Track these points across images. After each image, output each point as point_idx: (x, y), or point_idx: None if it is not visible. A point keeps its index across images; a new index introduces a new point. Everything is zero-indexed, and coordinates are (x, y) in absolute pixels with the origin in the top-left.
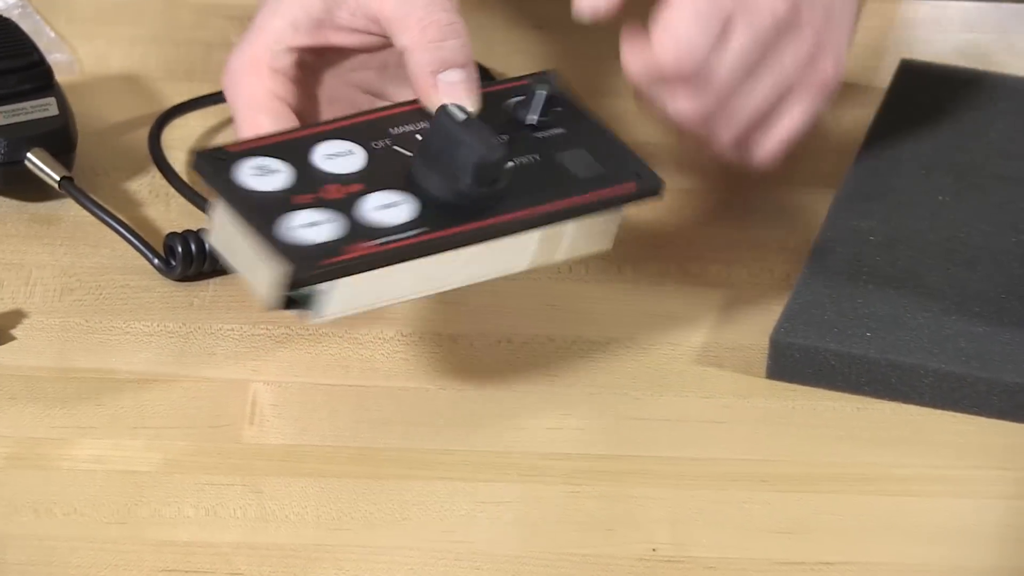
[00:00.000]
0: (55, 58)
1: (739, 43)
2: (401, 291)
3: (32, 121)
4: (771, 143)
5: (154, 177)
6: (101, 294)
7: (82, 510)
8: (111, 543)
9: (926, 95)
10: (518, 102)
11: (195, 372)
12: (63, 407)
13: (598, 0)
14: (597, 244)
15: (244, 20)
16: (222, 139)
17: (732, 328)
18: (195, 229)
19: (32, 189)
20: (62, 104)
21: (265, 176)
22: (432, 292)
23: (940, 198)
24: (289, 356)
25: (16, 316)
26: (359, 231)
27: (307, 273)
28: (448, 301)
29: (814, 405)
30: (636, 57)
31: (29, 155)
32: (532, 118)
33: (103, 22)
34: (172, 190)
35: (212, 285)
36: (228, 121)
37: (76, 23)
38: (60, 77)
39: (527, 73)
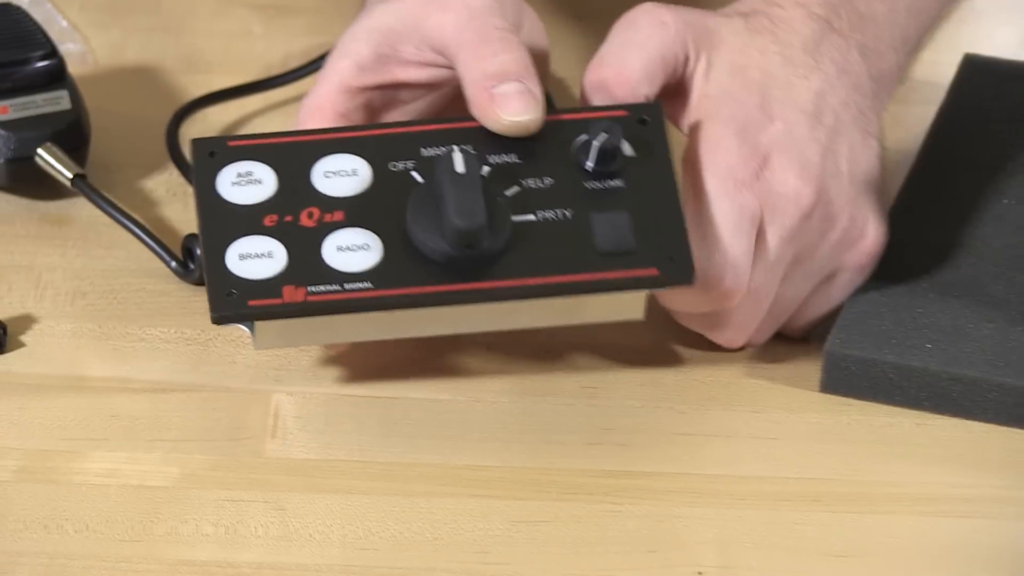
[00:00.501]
0: (68, 48)
1: (773, 251)
2: (356, 334)
3: (43, 115)
4: (805, 323)
5: (171, 175)
6: (115, 298)
7: (95, 527)
8: (125, 562)
9: (990, 91)
10: (588, 137)
11: (214, 382)
12: (75, 418)
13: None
14: (622, 314)
15: (267, 9)
16: (244, 132)
17: (783, 338)
18: None
19: (43, 187)
20: (75, 97)
21: (245, 186)
22: (399, 336)
23: (1005, 201)
24: (314, 365)
25: (26, 321)
26: (307, 271)
27: (228, 311)
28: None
29: (870, 420)
30: (678, 300)
31: (40, 151)
32: (589, 165)
33: (118, 11)
34: (191, 189)
35: None
36: (249, 116)
37: (90, 11)
38: (73, 69)
39: (623, 105)
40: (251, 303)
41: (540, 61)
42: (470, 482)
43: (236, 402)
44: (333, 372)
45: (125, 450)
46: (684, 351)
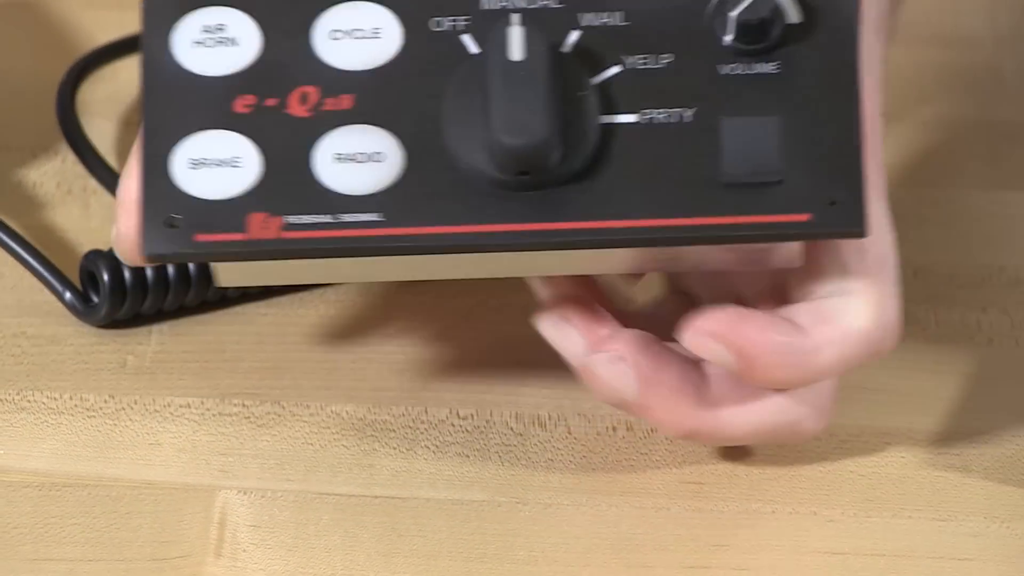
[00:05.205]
0: None
1: None
2: (357, 274)
3: None
4: None
5: (66, 162)
6: None
7: None
8: None
9: None
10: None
11: (130, 473)
12: None
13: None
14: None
15: None
16: None
17: (985, 410)
18: None
19: None
20: None
21: (212, 48)
22: (415, 278)
23: None
24: (279, 448)
25: None
26: (287, 190)
27: (165, 248)
28: (522, 360)
29: None
30: None
31: None
32: (727, 39)
33: None
34: (93, 182)
35: (157, 333)
36: None
37: None
38: None
39: None
40: (198, 238)
41: None
42: None
43: (163, 503)
44: (307, 458)
45: None
46: (838, 430)
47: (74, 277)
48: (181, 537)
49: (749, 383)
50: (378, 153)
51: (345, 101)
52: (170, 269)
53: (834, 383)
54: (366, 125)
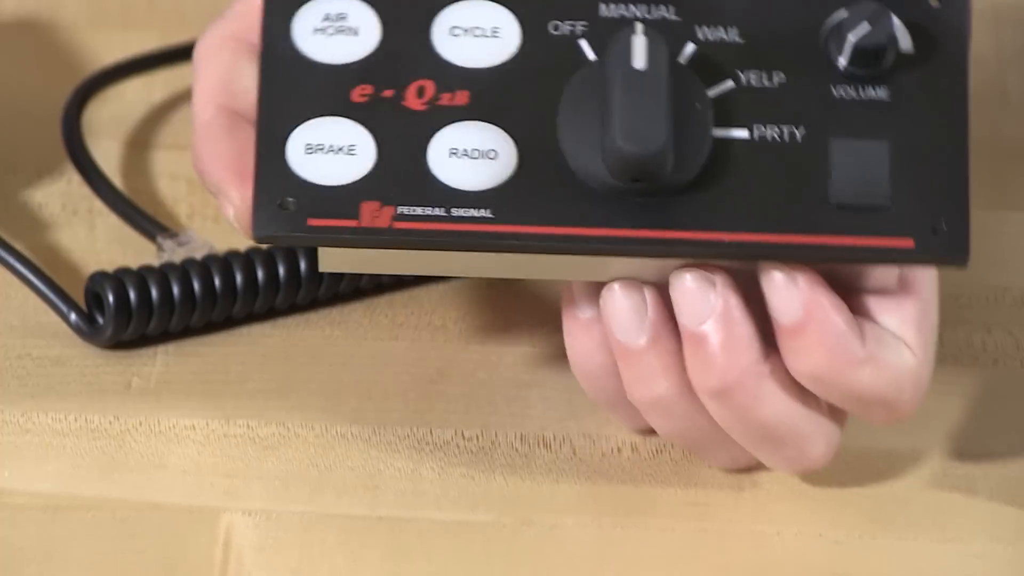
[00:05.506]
0: None
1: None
2: (461, 268)
3: None
4: None
5: (71, 182)
6: None
7: None
8: None
9: None
10: (843, 21)
11: (135, 495)
12: None
13: None
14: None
15: None
16: (179, 119)
17: (990, 431)
18: (135, 267)
19: None
20: None
21: (333, 36)
22: (517, 276)
23: None
24: (284, 469)
25: None
26: (401, 180)
27: (277, 229)
28: (533, 363)
29: None
30: None
31: None
32: (841, 62)
33: None
34: (99, 203)
35: (162, 354)
36: (187, 93)
37: None
38: None
39: None
40: (312, 222)
41: None
42: None
43: (168, 525)
44: (313, 479)
45: None
46: (843, 451)
47: (79, 298)
48: (186, 559)
49: (786, 345)
50: (492, 150)
51: (461, 97)
52: (175, 290)
53: (846, 422)
54: (481, 122)
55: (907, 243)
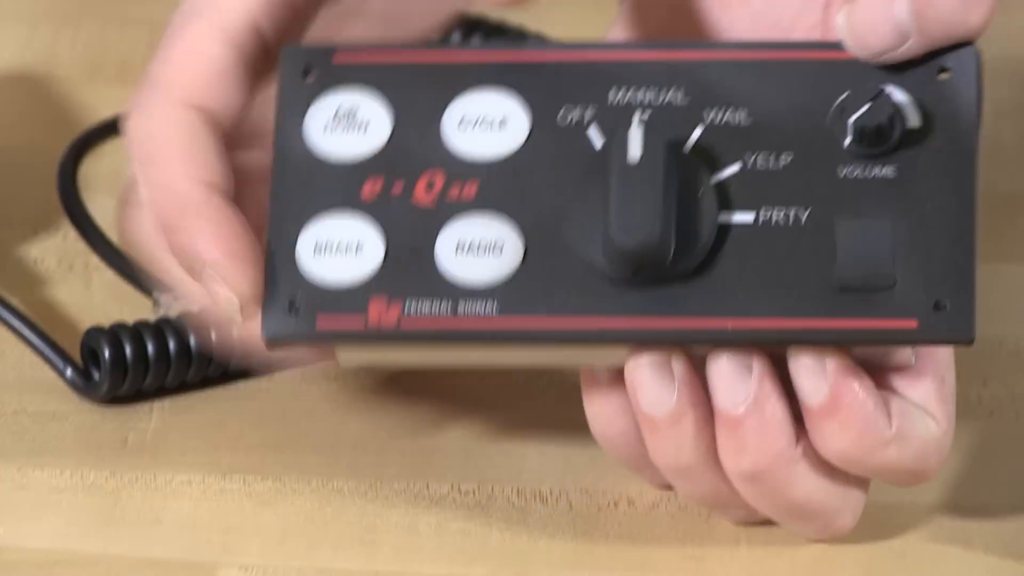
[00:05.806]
0: None
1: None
2: (472, 359)
3: None
4: None
5: (67, 238)
6: None
7: None
8: None
9: None
10: (845, 101)
11: (131, 551)
12: None
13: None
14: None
15: None
16: None
17: (987, 483)
18: (130, 322)
19: None
20: None
21: (344, 133)
22: (526, 365)
23: None
24: (281, 524)
25: None
26: (408, 276)
27: (287, 331)
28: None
29: None
30: None
31: None
32: (846, 142)
33: None
34: (95, 258)
35: (158, 410)
36: None
37: None
38: None
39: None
40: (321, 324)
41: None
42: None
43: None
44: (311, 534)
45: None
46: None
47: (75, 354)
48: None
49: (815, 426)
50: (498, 244)
51: (469, 189)
52: (171, 345)
53: (868, 489)
54: (488, 215)
55: (910, 324)
